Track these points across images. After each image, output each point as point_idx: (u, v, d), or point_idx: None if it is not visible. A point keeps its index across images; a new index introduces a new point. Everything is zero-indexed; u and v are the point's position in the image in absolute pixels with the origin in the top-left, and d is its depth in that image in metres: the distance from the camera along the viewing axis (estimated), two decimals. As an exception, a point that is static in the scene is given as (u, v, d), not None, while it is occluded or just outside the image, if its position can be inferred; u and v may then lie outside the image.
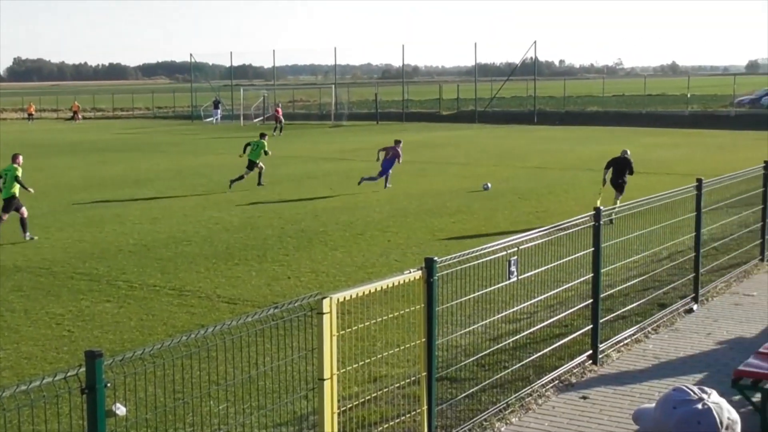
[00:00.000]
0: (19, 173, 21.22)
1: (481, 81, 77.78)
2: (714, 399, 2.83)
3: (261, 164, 30.76)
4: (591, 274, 11.36)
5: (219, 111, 78.10)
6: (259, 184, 30.38)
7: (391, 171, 29.38)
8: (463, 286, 9.29)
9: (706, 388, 2.88)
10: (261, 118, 76.54)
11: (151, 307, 14.57)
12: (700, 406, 2.81)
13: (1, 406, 5.94)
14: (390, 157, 29.27)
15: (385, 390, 9.20)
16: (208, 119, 78.18)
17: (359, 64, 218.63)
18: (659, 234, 14.00)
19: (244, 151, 30.99)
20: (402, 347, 9.04)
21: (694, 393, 2.84)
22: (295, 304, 7.26)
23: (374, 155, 31.06)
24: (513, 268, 9.56)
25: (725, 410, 2.82)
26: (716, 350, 11.86)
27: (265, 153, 30.93)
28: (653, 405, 2.93)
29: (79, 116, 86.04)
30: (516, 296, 10.74)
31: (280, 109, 65.00)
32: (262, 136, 31.81)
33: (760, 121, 55.47)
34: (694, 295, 14.02)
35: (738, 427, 2.83)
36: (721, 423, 2.79)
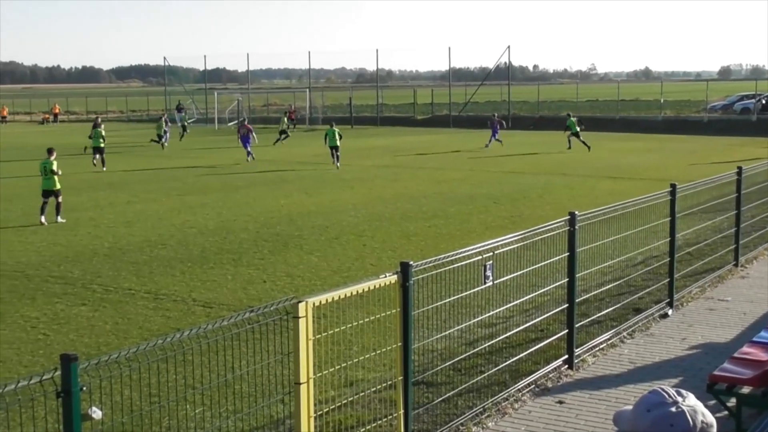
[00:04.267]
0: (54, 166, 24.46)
1: (456, 85, 77.98)
2: (689, 402, 2.83)
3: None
4: (566, 279, 11.39)
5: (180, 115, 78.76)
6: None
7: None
8: (438, 291, 9.30)
9: (682, 391, 2.88)
10: (235, 121, 76.36)
11: (127, 310, 14.51)
12: (673, 409, 2.81)
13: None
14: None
15: (361, 394, 9.20)
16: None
17: (333, 68, 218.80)
18: (634, 239, 14.05)
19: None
20: (378, 351, 9.03)
21: (670, 396, 2.85)
22: (271, 308, 7.25)
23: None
24: (488, 273, 9.57)
25: (699, 413, 2.82)
26: (691, 355, 11.91)
27: (340, 137, 38.01)
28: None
29: (50, 118, 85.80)
30: (491, 301, 10.75)
31: (294, 111, 71.12)
32: (332, 124, 39.31)
33: (733, 126, 55.90)
34: (669, 300, 14.08)
35: (713, 431, 2.85)
36: (695, 426, 2.79)
